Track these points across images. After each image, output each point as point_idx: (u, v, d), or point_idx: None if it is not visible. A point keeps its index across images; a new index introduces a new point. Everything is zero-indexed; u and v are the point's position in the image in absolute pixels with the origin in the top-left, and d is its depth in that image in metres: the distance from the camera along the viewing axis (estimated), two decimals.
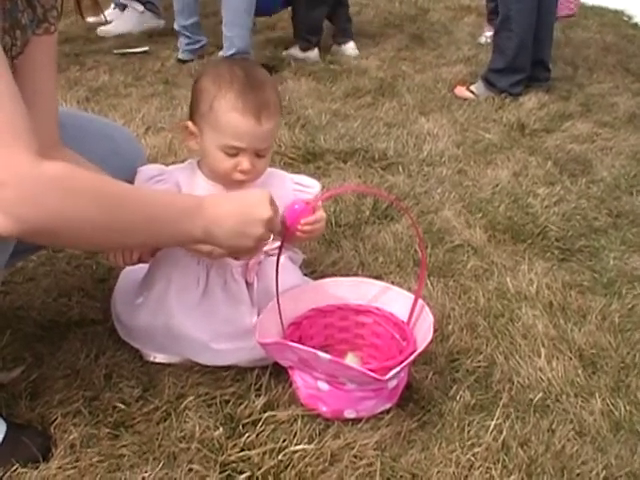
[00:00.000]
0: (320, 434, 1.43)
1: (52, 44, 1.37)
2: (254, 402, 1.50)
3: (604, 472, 1.37)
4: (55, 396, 1.50)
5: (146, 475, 1.33)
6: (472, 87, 3.51)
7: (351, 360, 1.54)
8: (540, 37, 3.46)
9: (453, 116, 3.25)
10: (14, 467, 1.32)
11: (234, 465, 1.35)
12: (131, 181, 1.50)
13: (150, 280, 1.61)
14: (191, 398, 1.51)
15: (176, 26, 3.93)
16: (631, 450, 1.43)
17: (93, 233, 1.16)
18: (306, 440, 1.40)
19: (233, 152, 1.47)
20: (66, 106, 3.09)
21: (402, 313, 1.57)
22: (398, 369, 1.38)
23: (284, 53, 4.08)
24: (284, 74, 3.78)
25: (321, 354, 1.36)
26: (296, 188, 1.61)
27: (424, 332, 1.48)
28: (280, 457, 1.36)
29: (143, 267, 1.64)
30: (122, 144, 1.65)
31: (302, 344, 1.44)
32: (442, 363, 1.65)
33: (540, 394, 1.56)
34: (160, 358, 1.61)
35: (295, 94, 3.47)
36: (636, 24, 5.15)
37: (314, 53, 4.02)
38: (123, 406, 1.48)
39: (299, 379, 1.48)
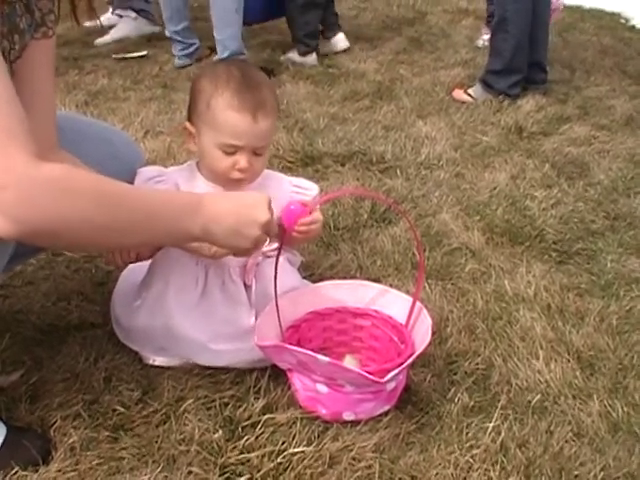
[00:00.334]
0: (319, 436, 1.43)
1: (50, 48, 1.38)
2: (253, 405, 1.50)
3: (602, 473, 1.37)
4: (55, 399, 1.50)
5: (146, 478, 1.34)
6: (470, 90, 3.51)
7: (350, 363, 1.54)
8: (535, 38, 3.46)
9: (451, 119, 3.26)
10: (14, 470, 1.32)
11: (233, 468, 1.36)
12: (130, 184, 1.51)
13: (149, 281, 1.61)
14: (190, 401, 1.51)
15: (167, 33, 3.94)
16: (629, 451, 1.44)
17: (93, 233, 1.16)
18: (305, 442, 1.41)
19: (231, 150, 1.48)
20: (65, 110, 3.10)
21: (400, 316, 1.58)
22: (396, 371, 1.38)
23: (282, 58, 4.08)
24: (282, 78, 3.79)
25: (320, 357, 1.37)
26: (294, 190, 1.62)
27: (422, 335, 1.49)
28: (279, 459, 1.36)
29: (142, 270, 1.64)
30: (121, 148, 1.66)
31: (301, 347, 1.45)
32: (440, 365, 1.65)
33: (538, 396, 1.57)
34: (159, 361, 1.62)
35: (293, 97, 3.48)
36: (633, 27, 5.16)
37: (312, 57, 4.02)
38: (122, 409, 1.48)
39: (298, 382, 1.48)
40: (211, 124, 1.48)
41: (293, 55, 4.05)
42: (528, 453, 1.41)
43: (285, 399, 1.52)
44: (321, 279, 1.81)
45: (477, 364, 1.66)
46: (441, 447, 1.42)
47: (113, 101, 3.42)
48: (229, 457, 1.37)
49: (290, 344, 1.44)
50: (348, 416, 1.46)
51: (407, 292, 1.69)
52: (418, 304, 1.55)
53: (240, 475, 1.34)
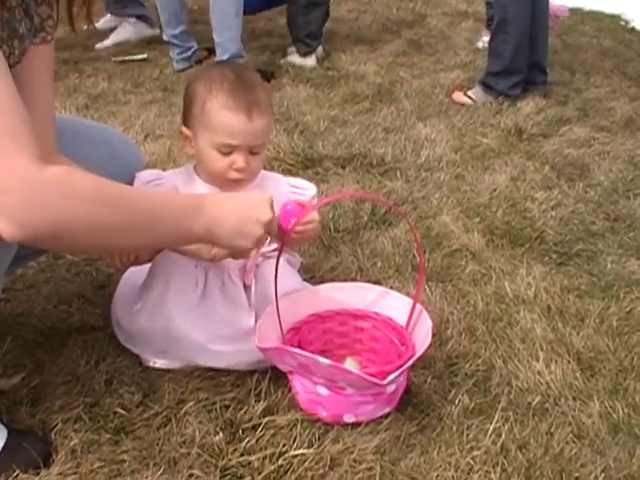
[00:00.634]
0: (320, 439, 1.43)
1: (49, 53, 1.37)
2: (254, 407, 1.50)
3: (602, 475, 1.38)
4: (56, 402, 1.50)
5: None
6: (470, 92, 3.52)
7: (350, 365, 1.54)
8: (535, 40, 3.46)
9: (451, 121, 3.26)
10: (15, 473, 1.32)
11: (234, 470, 1.36)
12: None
13: (149, 284, 1.61)
14: (191, 403, 1.51)
15: (165, 37, 3.94)
16: (629, 453, 1.44)
17: (95, 235, 1.16)
18: (306, 445, 1.41)
19: (227, 150, 1.49)
20: (65, 113, 3.10)
21: (401, 318, 1.58)
22: (397, 373, 1.38)
23: (282, 61, 4.08)
24: (282, 81, 3.79)
25: (320, 359, 1.37)
26: (292, 190, 1.63)
27: (423, 336, 1.49)
28: (280, 462, 1.36)
29: (143, 273, 1.64)
30: (121, 149, 1.66)
31: (301, 349, 1.45)
32: (441, 367, 1.65)
33: (539, 397, 1.57)
34: (160, 363, 1.62)
35: (293, 100, 3.48)
36: (633, 28, 5.16)
37: (312, 59, 4.02)
38: (123, 412, 1.49)
39: (298, 384, 1.48)
40: (207, 126, 1.49)
41: (293, 57, 4.05)
42: (529, 455, 1.41)
43: (286, 401, 1.52)
44: (322, 281, 1.81)
45: (477, 366, 1.66)
46: (442, 449, 1.42)
47: (113, 104, 3.42)
48: (230, 459, 1.37)
49: (291, 346, 1.45)
50: (349, 418, 1.46)
51: (407, 294, 1.69)
52: (418, 306, 1.55)
53: (241, 477, 1.34)
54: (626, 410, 1.54)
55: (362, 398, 1.44)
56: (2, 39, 1.22)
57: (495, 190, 2.56)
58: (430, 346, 1.47)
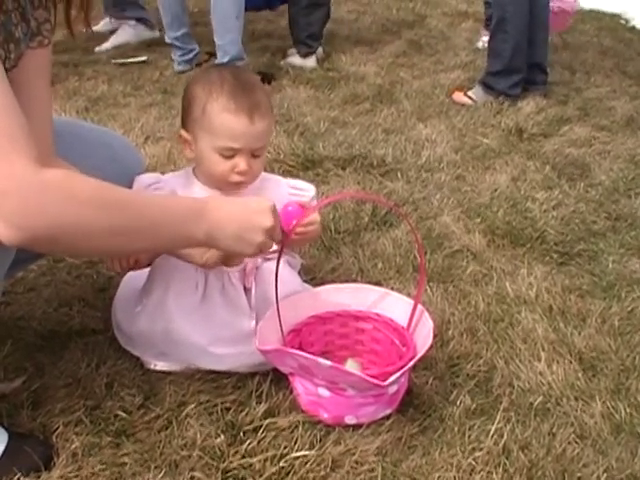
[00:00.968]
0: (321, 440, 1.43)
1: (46, 56, 1.37)
2: (255, 409, 1.50)
3: (605, 475, 1.37)
4: (57, 405, 1.50)
5: None
6: (470, 92, 3.52)
7: (351, 366, 1.54)
8: (534, 39, 3.46)
9: (451, 122, 3.26)
10: (16, 476, 1.32)
11: (236, 472, 1.36)
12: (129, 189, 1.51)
13: (149, 287, 1.61)
14: (192, 406, 1.51)
15: (167, 39, 3.95)
16: (632, 452, 1.44)
17: (95, 239, 1.16)
18: (307, 446, 1.41)
19: (229, 154, 1.49)
20: (65, 116, 3.10)
21: (402, 319, 1.57)
22: (398, 374, 1.38)
23: (282, 62, 4.08)
24: (282, 82, 3.79)
25: (321, 360, 1.36)
26: (292, 192, 1.62)
27: (424, 337, 1.48)
28: (281, 464, 1.36)
29: (143, 276, 1.64)
30: (121, 152, 1.66)
31: (302, 351, 1.45)
32: (442, 368, 1.65)
33: (540, 398, 1.57)
34: (161, 366, 1.62)
35: (293, 102, 3.48)
36: (633, 27, 5.16)
37: (312, 60, 4.03)
38: (124, 414, 1.49)
39: (300, 386, 1.48)
40: (208, 129, 1.48)
41: (293, 58, 4.05)
42: (531, 455, 1.41)
43: (287, 403, 1.52)
44: (322, 283, 1.81)
45: (479, 366, 1.66)
46: (443, 450, 1.42)
47: (113, 107, 3.42)
48: (231, 462, 1.37)
49: (292, 348, 1.44)
50: (350, 420, 1.46)
51: (408, 295, 1.68)
52: (419, 307, 1.55)
53: None
54: (628, 410, 1.54)
55: (363, 399, 1.44)
56: None
57: (496, 190, 2.56)
58: (431, 347, 1.47)
